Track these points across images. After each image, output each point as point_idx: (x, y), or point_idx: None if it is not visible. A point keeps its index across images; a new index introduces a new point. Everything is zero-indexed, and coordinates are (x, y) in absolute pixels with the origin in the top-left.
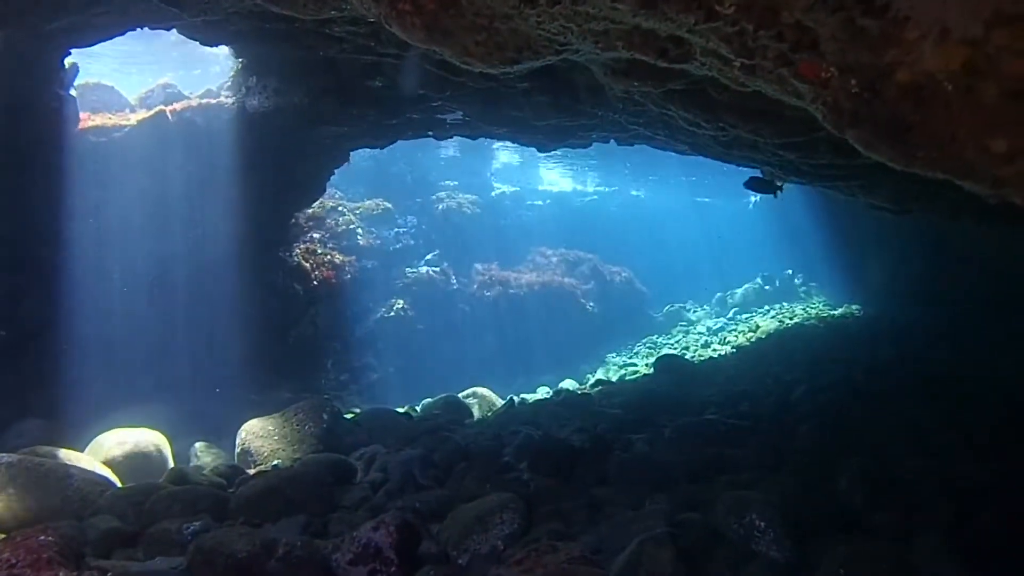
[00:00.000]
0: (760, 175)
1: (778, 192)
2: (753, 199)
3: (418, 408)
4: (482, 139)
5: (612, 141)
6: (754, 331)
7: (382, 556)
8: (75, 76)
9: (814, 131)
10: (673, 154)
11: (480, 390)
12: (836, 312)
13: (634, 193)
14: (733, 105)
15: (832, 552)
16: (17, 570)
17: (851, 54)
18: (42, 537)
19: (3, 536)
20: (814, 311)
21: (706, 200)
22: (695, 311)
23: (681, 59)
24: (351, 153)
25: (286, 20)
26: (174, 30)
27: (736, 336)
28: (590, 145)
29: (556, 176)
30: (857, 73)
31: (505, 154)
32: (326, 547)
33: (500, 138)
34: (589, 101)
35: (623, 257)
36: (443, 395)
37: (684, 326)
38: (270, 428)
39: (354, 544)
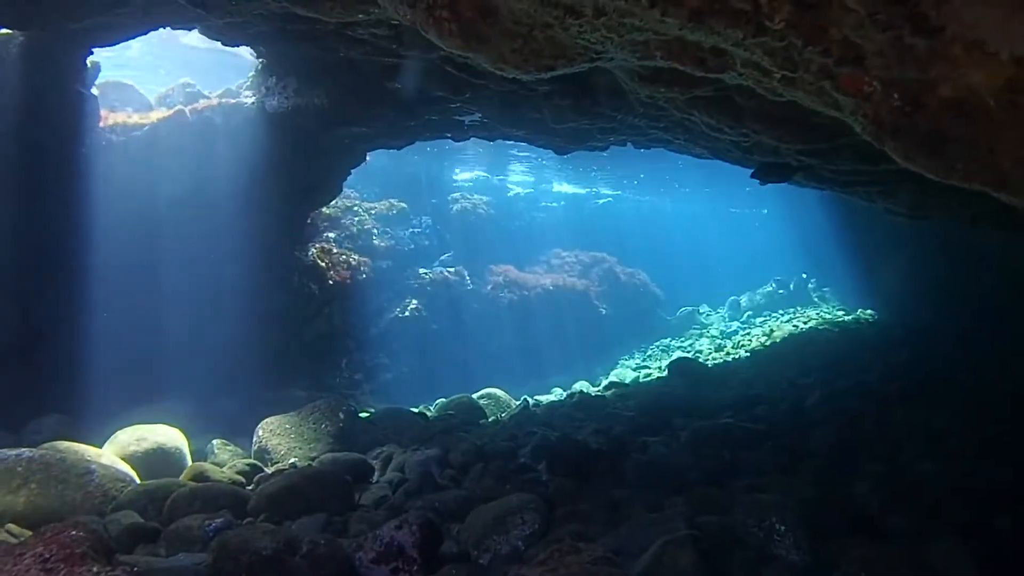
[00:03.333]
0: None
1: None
2: (764, 210)
3: (432, 408)
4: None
5: (629, 145)
6: (768, 335)
7: (405, 555)
8: (96, 75)
9: (837, 138)
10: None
11: (494, 391)
12: (850, 317)
13: (648, 198)
14: (758, 112)
15: (851, 555)
16: (51, 564)
17: (896, 69)
18: (73, 532)
19: (27, 531)
20: (828, 316)
21: (734, 210)
22: (708, 314)
23: (719, 69)
24: (367, 153)
25: (308, 22)
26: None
27: (750, 340)
28: (607, 149)
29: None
30: (901, 87)
31: (518, 175)
32: (349, 545)
33: (518, 140)
34: (609, 105)
35: (637, 259)
36: (457, 396)
37: (697, 329)
38: (287, 426)
39: (377, 543)
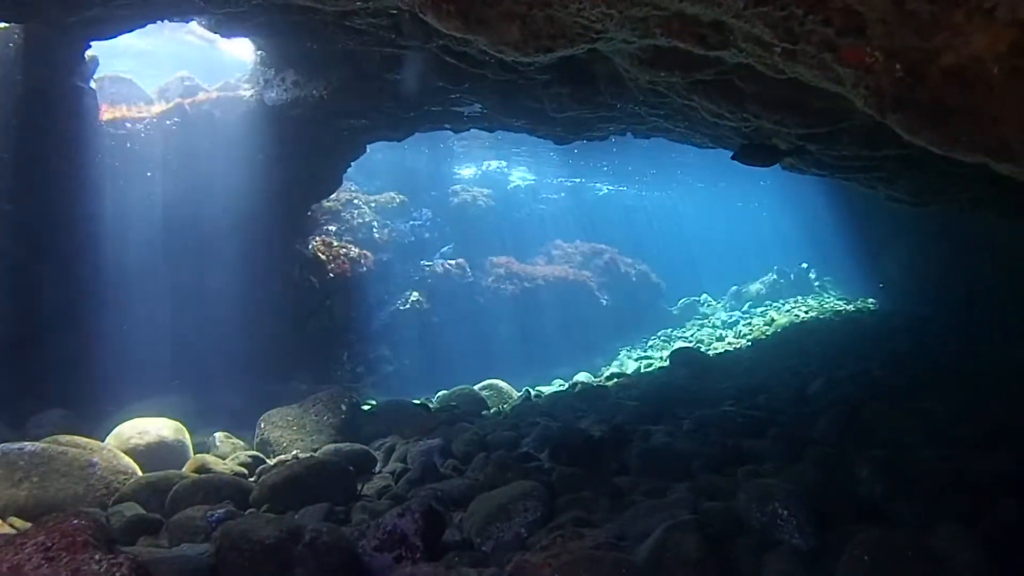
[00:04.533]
0: (752, 142)
1: (783, 160)
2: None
3: (434, 400)
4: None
5: (629, 135)
6: (769, 324)
7: (407, 542)
8: (95, 69)
9: (838, 122)
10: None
11: (496, 382)
12: (851, 306)
13: (656, 193)
14: (759, 96)
15: (855, 540)
16: (53, 552)
17: (898, 38)
18: (75, 521)
19: (30, 524)
20: (829, 305)
21: (739, 205)
22: (710, 304)
23: (719, 46)
24: (367, 146)
25: (307, 12)
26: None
27: (751, 329)
28: (607, 138)
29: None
30: (902, 57)
31: (519, 173)
32: (352, 533)
33: (518, 130)
34: (609, 92)
35: (637, 250)
36: (459, 387)
37: (699, 319)
38: (289, 418)
39: (380, 530)
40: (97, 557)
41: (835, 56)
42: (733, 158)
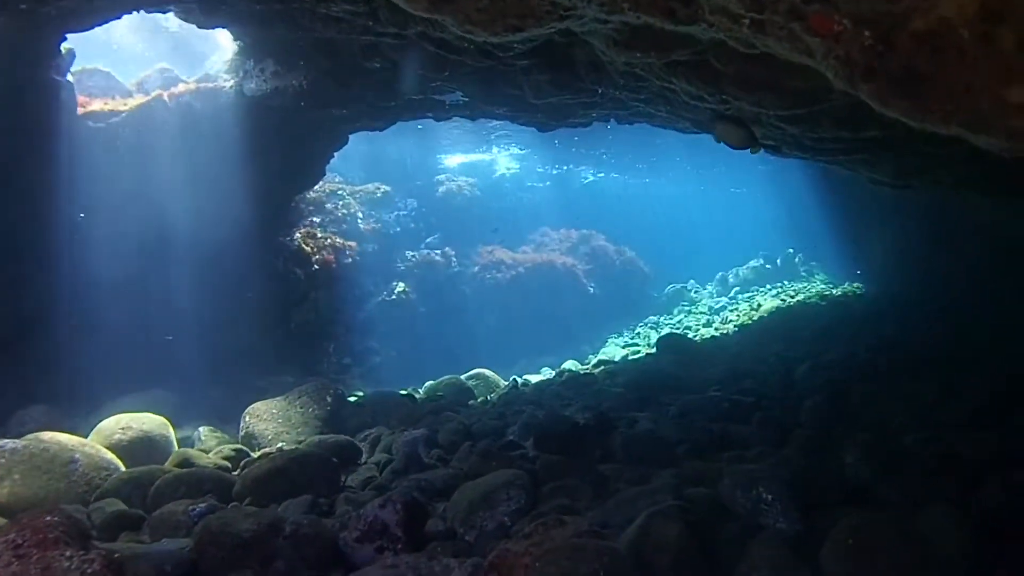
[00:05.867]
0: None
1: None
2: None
3: (421, 391)
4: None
5: (612, 121)
6: (756, 310)
7: (389, 533)
8: (71, 62)
9: (817, 103)
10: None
11: (483, 372)
12: (837, 291)
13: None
14: (736, 76)
15: (840, 523)
16: (23, 550)
17: (865, 3)
18: (48, 517)
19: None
20: (815, 290)
21: (736, 190)
22: (696, 291)
23: (689, 20)
24: (350, 136)
25: (284, 0)
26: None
27: (738, 315)
28: (590, 124)
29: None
30: (871, 24)
31: (504, 162)
32: (333, 525)
33: (499, 118)
34: (589, 78)
35: (624, 236)
36: (446, 377)
37: (686, 306)
38: (274, 411)
39: (361, 522)
40: (68, 554)
41: (803, 25)
42: (712, 121)
